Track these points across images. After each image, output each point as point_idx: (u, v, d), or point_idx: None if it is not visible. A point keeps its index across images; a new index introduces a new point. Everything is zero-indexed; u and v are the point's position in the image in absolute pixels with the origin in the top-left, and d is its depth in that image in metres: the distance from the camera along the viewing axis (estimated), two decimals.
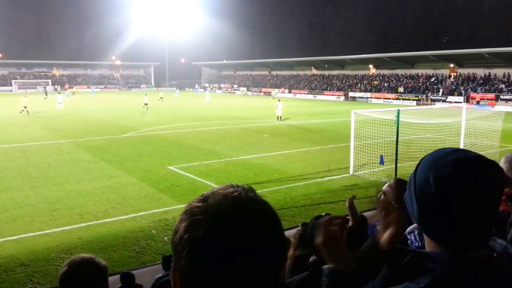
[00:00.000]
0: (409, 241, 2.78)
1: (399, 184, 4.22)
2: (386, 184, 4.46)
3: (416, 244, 2.63)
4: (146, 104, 54.56)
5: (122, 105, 63.56)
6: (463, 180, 1.42)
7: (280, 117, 41.94)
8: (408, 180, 1.67)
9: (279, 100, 44.47)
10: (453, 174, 1.43)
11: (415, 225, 2.63)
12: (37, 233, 12.48)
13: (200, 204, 1.16)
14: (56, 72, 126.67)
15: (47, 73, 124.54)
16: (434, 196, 1.44)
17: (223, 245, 1.07)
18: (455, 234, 1.44)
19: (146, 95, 58.15)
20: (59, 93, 65.97)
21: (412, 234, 2.76)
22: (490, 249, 1.49)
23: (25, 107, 47.27)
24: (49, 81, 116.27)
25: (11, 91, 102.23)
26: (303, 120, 42.80)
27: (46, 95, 75.72)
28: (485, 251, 1.46)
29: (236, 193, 1.17)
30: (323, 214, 6.71)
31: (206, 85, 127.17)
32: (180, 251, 1.12)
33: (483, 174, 1.43)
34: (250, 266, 1.08)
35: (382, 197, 4.39)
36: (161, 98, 65.81)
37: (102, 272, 3.09)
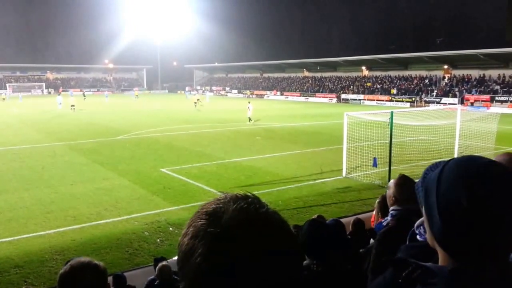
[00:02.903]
0: (417, 235, 2.85)
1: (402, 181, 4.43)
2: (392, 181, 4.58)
3: (425, 236, 2.67)
4: (195, 102, 64.73)
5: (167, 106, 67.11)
6: (502, 199, 1.34)
7: (250, 118, 42.13)
8: (419, 186, 1.57)
9: (249, 102, 44.42)
10: (491, 193, 1.34)
11: (423, 218, 2.68)
12: (31, 234, 12.52)
13: (212, 229, 1.07)
14: (50, 75, 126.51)
15: (41, 77, 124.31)
16: (466, 214, 1.34)
17: (248, 271, 1.03)
18: (478, 250, 1.37)
19: (195, 95, 78.46)
20: (59, 94, 73.75)
21: (422, 227, 2.81)
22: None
23: (73, 105, 56.49)
24: (43, 84, 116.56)
25: (6, 94, 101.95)
26: (296, 123, 42.85)
27: (84, 96, 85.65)
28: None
29: (250, 207, 1.11)
30: (316, 216, 6.82)
31: (198, 87, 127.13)
32: (198, 282, 1.05)
33: None
34: (280, 278, 1.06)
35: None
36: (196, 102, 68.17)
37: (102, 274, 3.05)
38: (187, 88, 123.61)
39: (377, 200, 6.14)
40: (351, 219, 8.33)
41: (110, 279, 7.18)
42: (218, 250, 1.04)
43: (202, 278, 1.04)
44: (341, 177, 19.56)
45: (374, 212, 6.78)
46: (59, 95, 72.04)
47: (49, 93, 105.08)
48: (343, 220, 9.00)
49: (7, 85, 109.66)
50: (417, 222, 2.84)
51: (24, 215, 14.27)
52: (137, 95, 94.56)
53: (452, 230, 1.38)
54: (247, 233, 1.06)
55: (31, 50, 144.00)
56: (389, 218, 4.40)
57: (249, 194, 1.17)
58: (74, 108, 56.17)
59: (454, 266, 1.39)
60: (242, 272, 1.02)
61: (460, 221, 1.36)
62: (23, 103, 73.44)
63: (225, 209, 1.10)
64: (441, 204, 1.41)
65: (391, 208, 4.33)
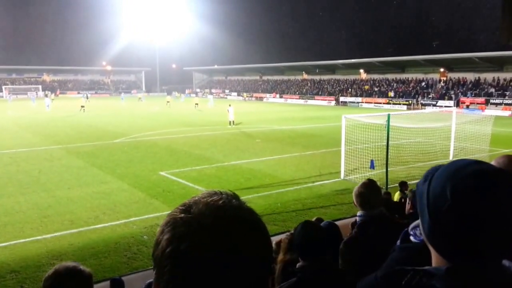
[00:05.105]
0: (412, 237, 2.82)
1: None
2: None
3: (421, 238, 2.66)
4: (196, 104, 68.51)
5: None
6: (483, 193, 1.34)
7: (233, 121, 42.13)
8: (416, 190, 1.63)
9: (229, 105, 44.47)
10: (473, 186, 1.35)
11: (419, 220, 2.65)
12: (27, 239, 12.44)
13: (182, 215, 1.10)
14: (47, 77, 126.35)
15: (37, 79, 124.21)
16: (450, 209, 1.36)
17: (208, 258, 1.02)
18: (466, 250, 1.37)
19: (196, 96, 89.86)
20: (47, 96, 78.27)
21: (418, 229, 2.79)
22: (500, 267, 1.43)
23: (83, 106, 59.88)
24: (40, 86, 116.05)
25: (2, 97, 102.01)
26: (295, 125, 42.88)
27: (87, 97, 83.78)
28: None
29: (220, 202, 1.12)
30: (314, 219, 6.80)
31: (198, 90, 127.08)
32: (163, 266, 1.06)
33: (504, 189, 1.36)
34: (236, 278, 1.04)
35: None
36: (197, 104, 69.60)
37: (86, 281, 3.04)
38: (186, 91, 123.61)
39: None
40: (350, 220, 8.31)
41: (107, 283, 7.13)
42: (181, 236, 1.06)
43: (165, 263, 1.06)
44: (340, 179, 19.58)
45: None
46: (46, 96, 76.11)
47: (46, 95, 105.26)
48: (341, 222, 8.97)
49: (3, 87, 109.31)
50: (413, 224, 2.82)
51: (21, 219, 14.18)
52: (140, 98, 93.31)
53: (439, 228, 1.40)
54: (213, 223, 1.07)
55: (27, 52, 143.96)
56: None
57: (228, 191, 1.19)
58: (83, 109, 59.02)
59: (450, 266, 1.38)
60: (203, 259, 1.03)
61: (446, 217, 1.37)
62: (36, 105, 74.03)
63: (198, 202, 1.13)
64: (430, 202, 1.43)
65: (358, 213, 4.40)
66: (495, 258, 1.40)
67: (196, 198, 1.15)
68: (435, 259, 1.48)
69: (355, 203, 4.42)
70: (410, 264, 1.55)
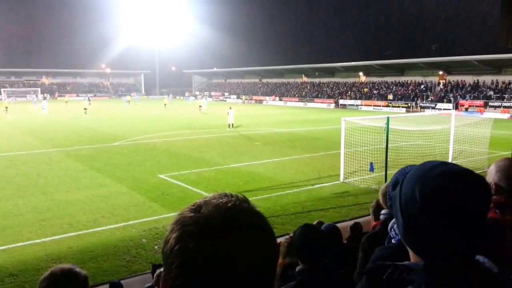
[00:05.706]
0: (392, 239, 2.83)
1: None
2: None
3: (398, 238, 2.68)
4: (200, 106, 69.22)
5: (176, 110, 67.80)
6: (450, 193, 1.40)
7: (232, 124, 42.23)
8: (388, 194, 1.68)
9: (230, 108, 44.44)
10: (439, 187, 1.41)
11: (394, 220, 2.67)
12: (26, 242, 12.38)
13: (192, 214, 1.13)
14: (46, 80, 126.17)
15: (36, 82, 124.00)
16: (420, 210, 1.42)
17: (214, 258, 1.05)
18: (439, 249, 1.43)
19: (195, 99, 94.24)
20: (45, 98, 79.87)
21: (393, 229, 2.82)
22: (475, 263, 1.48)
23: (85, 109, 59.88)
24: (39, 89, 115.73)
25: (1, 99, 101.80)
26: (294, 128, 42.83)
27: (89, 101, 79.00)
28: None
29: (229, 204, 1.14)
30: (315, 222, 6.76)
31: (197, 93, 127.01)
32: (171, 263, 1.09)
33: (470, 189, 1.42)
34: (241, 279, 1.06)
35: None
36: (201, 106, 70.23)
37: (82, 283, 3.04)
38: (186, 94, 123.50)
39: (372, 204, 6.19)
40: (349, 223, 8.28)
41: (107, 287, 7.11)
42: (189, 235, 1.08)
43: (173, 260, 1.09)
44: (339, 182, 19.56)
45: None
46: (44, 99, 77.69)
47: (44, 98, 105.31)
48: (341, 224, 8.95)
49: (2, 90, 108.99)
50: (389, 225, 2.85)
51: (19, 223, 14.12)
52: (129, 101, 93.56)
53: (413, 229, 1.47)
54: (221, 224, 1.09)
55: (26, 55, 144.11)
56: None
57: (239, 194, 1.21)
58: (86, 112, 59.37)
59: (427, 263, 1.44)
60: (209, 258, 1.05)
61: (418, 219, 1.43)
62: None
63: (208, 202, 1.16)
64: (403, 206, 1.49)
65: (382, 211, 4.43)
66: (468, 255, 1.45)
67: (207, 198, 1.18)
68: (413, 256, 1.53)
69: (381, 201, 4.46)
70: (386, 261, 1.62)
